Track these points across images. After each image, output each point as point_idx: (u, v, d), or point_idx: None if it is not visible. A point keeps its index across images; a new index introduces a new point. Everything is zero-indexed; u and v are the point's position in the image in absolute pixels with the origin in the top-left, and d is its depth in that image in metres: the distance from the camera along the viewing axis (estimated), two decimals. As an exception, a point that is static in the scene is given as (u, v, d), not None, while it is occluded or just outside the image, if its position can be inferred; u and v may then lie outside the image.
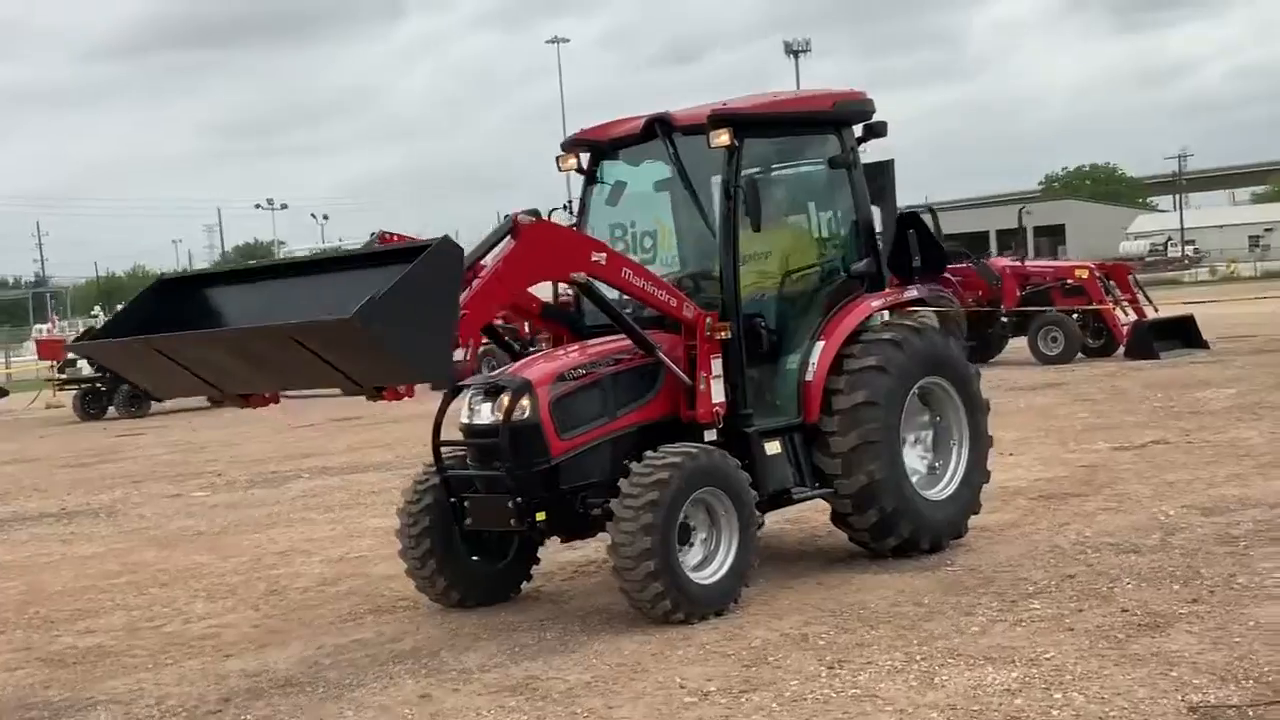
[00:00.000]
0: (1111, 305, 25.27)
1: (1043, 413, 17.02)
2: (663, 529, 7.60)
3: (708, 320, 8.29)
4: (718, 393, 8.36)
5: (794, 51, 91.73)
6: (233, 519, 13.44)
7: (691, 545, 7.96)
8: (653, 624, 7.71)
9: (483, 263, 7.53)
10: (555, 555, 9.26)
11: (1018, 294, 25.44)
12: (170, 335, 6.89)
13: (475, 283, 7.42)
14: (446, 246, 6.57)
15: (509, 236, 7.56)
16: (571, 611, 8.34)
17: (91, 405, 31.52)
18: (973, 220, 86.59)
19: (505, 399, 7.90)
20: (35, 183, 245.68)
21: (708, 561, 7.99)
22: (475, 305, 7.31)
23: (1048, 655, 6.62)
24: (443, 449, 8.44)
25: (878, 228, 25.13)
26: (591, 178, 9.30)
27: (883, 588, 8.28)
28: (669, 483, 7.65)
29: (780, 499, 8.65)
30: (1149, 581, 7.94)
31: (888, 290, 9.30)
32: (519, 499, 7.89)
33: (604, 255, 8.00)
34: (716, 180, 8.69)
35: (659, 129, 8.80)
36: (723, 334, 8.32)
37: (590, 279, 7.95)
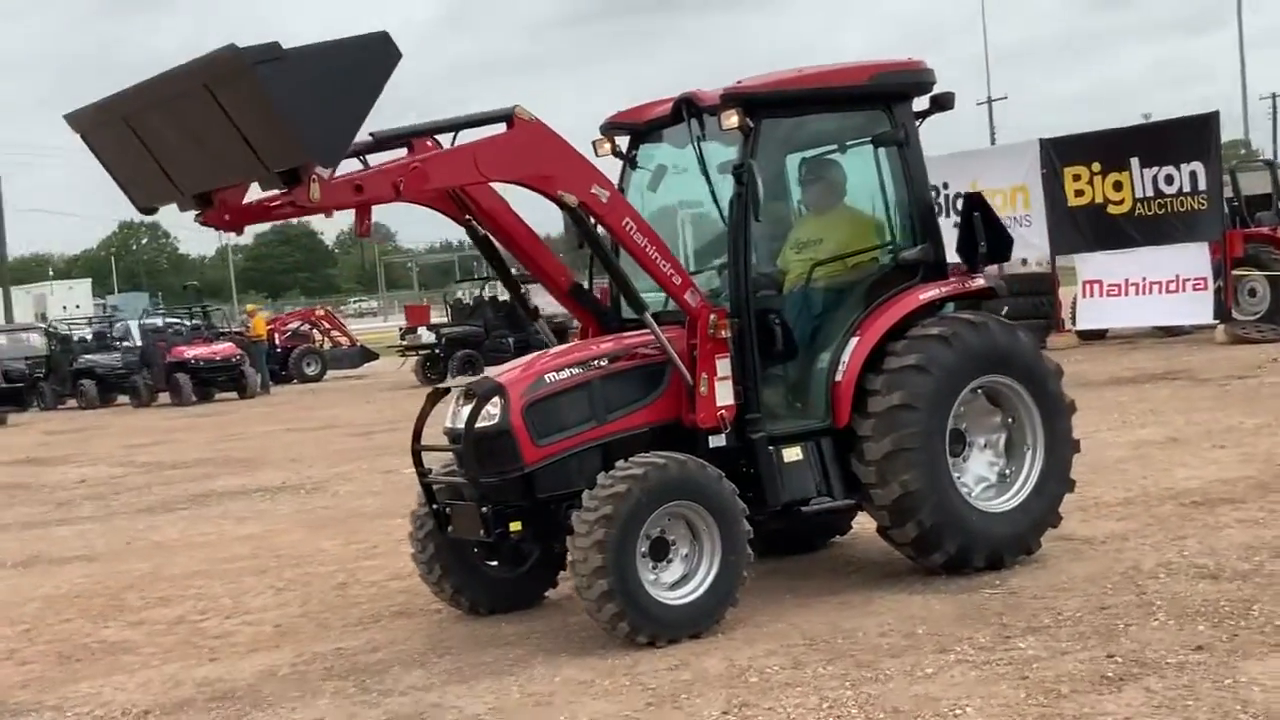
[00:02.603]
0: None
1: (1318, 394, 15.29)
2: (617, 546, 7.08)
3: (712, 316, 7.67)
4: (724, 395, 7.73)
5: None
6: (404, 502, 13.49)
7: (670, 561, 7.40)
8: (616, 646, 7.22)
9: (432, 141, 7.35)
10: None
11: (1345, 253, 22.98)
12: (121, 92, 6.79)
13: (450, 148, 7.23)
14: (384, 40, 6.34)
15: (503, 124, 7.20)
16: (568, 627, 7.88)
17: (430, 371, 32.74)
18: None
19: (474, 404, 7.56)
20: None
21: (687, 579, 7.42)
22: (435, 165, 7.08)
23: (961, 713, 5.80)
24: (434, 453, 8.17)
25: (1199, 185, 23.25)
26: (631, 162, 8.77)
27: (892, 612, 7.50)
28: (626, 496, 7.12)
29: (793, 510, 7.96)
30: (1181, 619, 6.90)
31: (948, 280, 8.40)
32: (485, 509, 7.53)
33: (607, 193, 7.50)
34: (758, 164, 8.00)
35: (685, 110, 8.20)
36: (724, 332, 7.69)
37: (584, 208, 7.44)
